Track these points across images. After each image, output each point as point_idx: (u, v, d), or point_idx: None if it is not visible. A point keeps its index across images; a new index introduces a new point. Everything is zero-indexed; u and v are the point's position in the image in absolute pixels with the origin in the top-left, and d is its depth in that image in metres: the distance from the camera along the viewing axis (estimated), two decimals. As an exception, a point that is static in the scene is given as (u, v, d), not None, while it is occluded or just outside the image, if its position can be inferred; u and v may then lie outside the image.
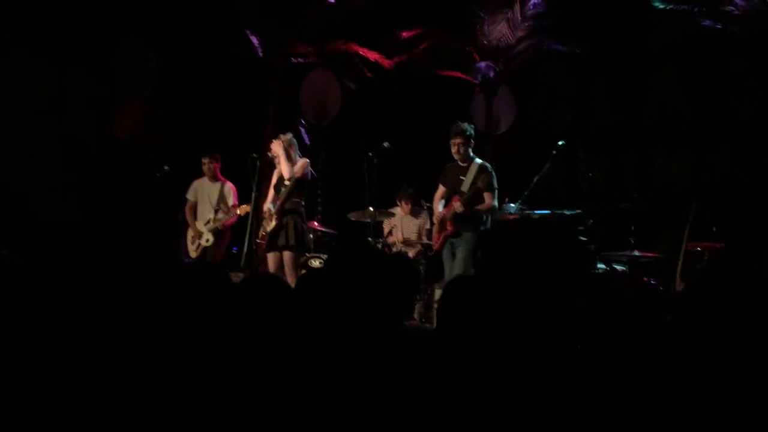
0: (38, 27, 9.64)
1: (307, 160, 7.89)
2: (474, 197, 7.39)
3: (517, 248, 1.93)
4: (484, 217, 7.47)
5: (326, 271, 2.99)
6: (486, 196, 7.38)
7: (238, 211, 8.80)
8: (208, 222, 9.11)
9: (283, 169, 7.72)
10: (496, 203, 7.48)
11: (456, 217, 7.39)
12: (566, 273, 1.93)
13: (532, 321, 1.91)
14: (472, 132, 7.59)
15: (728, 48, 9.81)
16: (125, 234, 2.12)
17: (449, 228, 7.46)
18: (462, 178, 7.47)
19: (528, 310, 1.91)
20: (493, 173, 7.44)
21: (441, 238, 7.53)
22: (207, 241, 9.07)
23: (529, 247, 1.92)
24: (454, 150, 7.47)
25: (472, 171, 7.44)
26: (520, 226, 2.06)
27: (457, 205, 7.36)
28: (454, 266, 7.40)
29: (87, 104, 10.17)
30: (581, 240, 7.19)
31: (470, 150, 7.53)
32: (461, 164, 7.51)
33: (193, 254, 9.14)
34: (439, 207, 7.70)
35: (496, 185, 7.44)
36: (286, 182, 7.75)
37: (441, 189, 7.72)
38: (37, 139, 9.81)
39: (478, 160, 7.53)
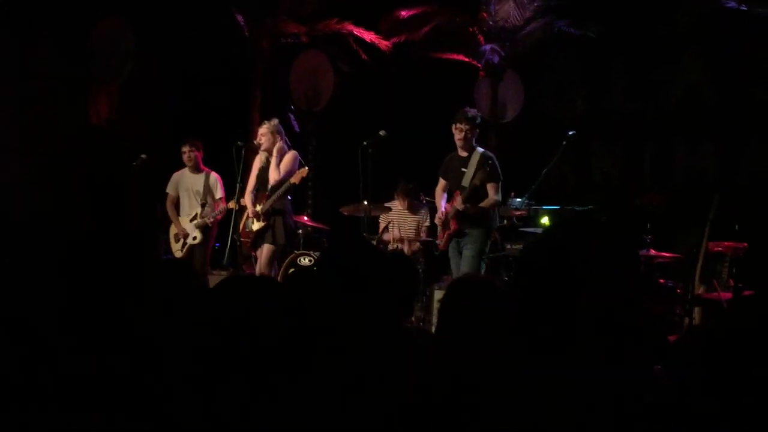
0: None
1: (296, 154, 7.97)
2: (477, 191, 7.40)
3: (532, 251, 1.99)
4: (491, 211, 7.52)
5: (319, 270, 3.05)
6: (490, 188, 7.40)
7: (230, 205, 8.73)
8: (194, 218, 9.02)
9: (272, 173, 7.81)
10: (500, 197, 7.52)
11: (459, 215, 7.43)
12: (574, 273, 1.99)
13: (539, 321, 1.97)
14: (479, 121, 7.62)
15: (754, 31, 9.85)
16: (100, 229, 2.18)
17: (453, 226, 7.51)
18: (464, 170, 7.48)
19: (536, 310, 1.97)
20: (497, 164, 7.48)
21: (445, 236, 7.57)
22: (194, 239, 8.98)
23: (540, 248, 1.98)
24: (459, 137, 7.45)
25: (474, 162, 7.46)
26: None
27: (458, 202, 7.38)
28: (461, 265, 7.44)
29: (58, 87, 10.20)
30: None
31: (474, 140, 7.57)
32: (462, 155, 7.53)
33: (178, 254, 9.01)
34: (442, 203, 7.72)
35: (501, 177, 7.47)
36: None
37: (442, 182, 7.74)
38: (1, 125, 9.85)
39: (480, 150, 7.54)
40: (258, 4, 10.68)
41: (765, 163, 10.21)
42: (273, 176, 7.86)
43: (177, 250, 9.06)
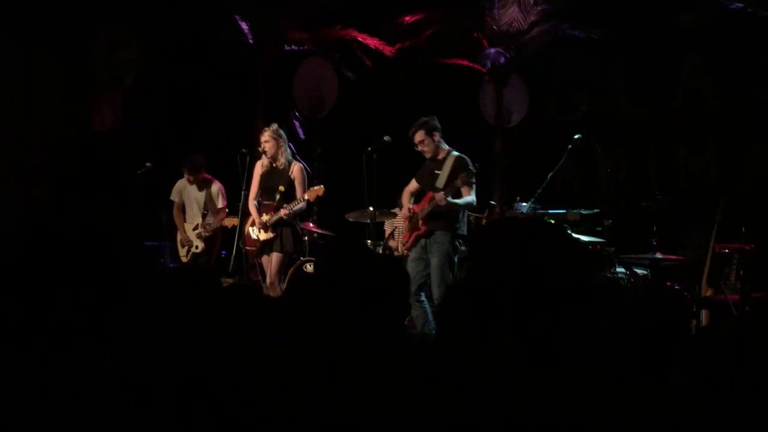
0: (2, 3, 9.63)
1: (303, 168, 8.02)
2: (456, 194, 7.34)
3: (506, 251, 1.96)
4: (460, 215, 7.42)
5: (318, 280, 3.03)
6: (464, 191, 7.31)
7: (225, 223, 8.85)
8: (196, 227, 9.12)
9: (299, 191, 7.89)
10: (474, 199, 7.40)
11: (430, 215, 7.35)
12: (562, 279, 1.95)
13: (526, 332, 1.94)
14: (434, 122, 7.53)
15: (757, 34, 9.83)
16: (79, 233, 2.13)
17: (422, 227, 7.43)
18: (437, 172, 7.44)
19: (522, 321, 1.94)
20: (473, 167, 7.38)
21: (412, 237, 7.46)
22: (197, 248, 9.09)
23: (517, 251, 1.96)
24: (419, 149, 7.47)
25: (449, 164, 7.41)
26: (507, 227, 2.08)
27: (440, 197, 7.23)
28: (432, 274, 7.33)
29: (60, 94, 10.20)
30: (576, 241, 7.08)
31: (440, 142, 7.49)
32: (437, 158, 7.49)
33: (183, 259, 9.17)
34: (409, 203, 7.69)
35: (474, 180, 7.38)
36: (281, 188, 7.88)
37: (413, 184, 7.71)
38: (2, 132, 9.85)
39: (455, 153, 7.48)
40: (262, 11, 10.67)
41: (768, 166, 10.21)
42: (301, 203, 7.91)
43: (182, 255, 9.17)
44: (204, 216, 9.07)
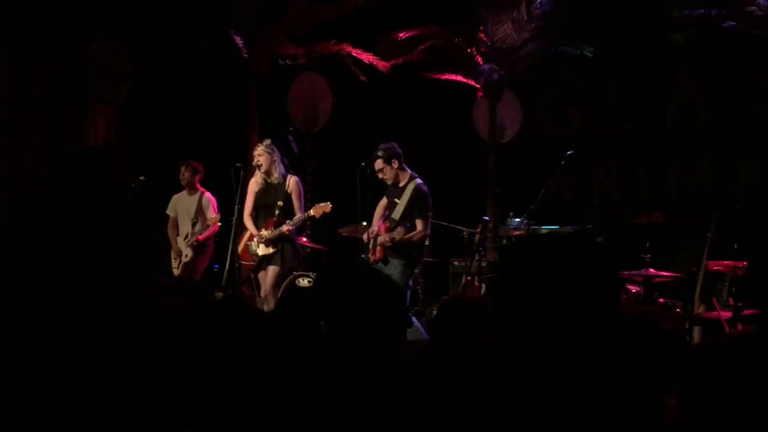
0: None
1: (298, 181, 8.02)
2: (403, 223, 7.51)
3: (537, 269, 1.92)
4: (418, 243, 7.58)
5: (318, 293, 3.03)
6: (417, 222, 7.49)
7: (208, 222, 8.88)
8: (186, 237, 9.15)
9: (298, 211, 7.93)
10: (426, 231, 7.57)
11: (384, 243, 7.53)
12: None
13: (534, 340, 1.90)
14: (393, 150, 7.63)
15: (750, 51, 9.88)
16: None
17: (379, 254, 7.56)
18: (396, 201, 7.60)
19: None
20: (428, 198, 7.54)
21: (371, 261, 7.64)
22: (186, 256, 9.10)
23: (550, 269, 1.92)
24: (379, 176, 7.63)
25: (407, 195, 7.54)
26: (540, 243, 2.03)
27: (383, 240, 7.49)
28: None
29: (53, 106, 10.19)
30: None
31: (401, 168, 7.60)
32: (399, 185, 7.60)
33: (175, 271, 9.18)
34: (378, 221, 7.81)
35: (430, 212, 7.57)
36: (280, 203, 7.89)
37: (384, 201, 7.85)
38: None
39: (415, 182, 7.61)
40: (256, 26, 10.68)
41: (760, 182, 10.22)
42: (298, 214, 7.95)
43: (174, 267, 9.21)
44: (194, 225, 9.06)
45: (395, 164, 7.55)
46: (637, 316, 2.64)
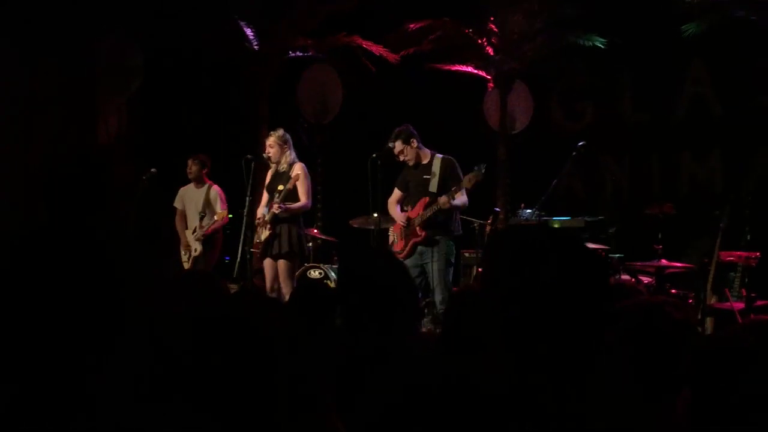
0: (5, 12, 9.62)
1: (304, 168, 7.96)
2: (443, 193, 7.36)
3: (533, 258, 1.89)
4: (454, 216, 7.44)
5: (341, 284, 3.01)
6: (456, 189, 7.33)
7: (215, 217, 8.85)
8: (195, 230, 9.11)
9: (302, 196, 7.84)
10: (466, 199, 7.42)
11: (427, 221, 7.37)
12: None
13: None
14: (409, 130, 7.55)
15: (763, 42, 9.82)
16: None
17: (421, 233, 7.44)
18: (426, 177, 7.47)
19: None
20: (458, 167, 7.44)
21: (409, 245, 7.48)
22: (195, 250, 9.06)
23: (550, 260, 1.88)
24: (401, 159, 7.53)
25: (438, 167, 7.44)
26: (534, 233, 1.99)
27: (444, 201, 7.23)
28: (430, 278, 7.35)
29: (63, 102, 10.20)
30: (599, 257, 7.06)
31: (420, 148, 7.53)
32: (422, 163, 7.53)
33: (185, 265, 9.13)
34: (398, 211, 7.68)
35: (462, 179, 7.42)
36: (280, 187, 7.84)
37: (397, 193, 7.74)
38: (5, 142, 9.85)
39: (440, 155, 7.53)
40: (267, 18, 10.67)
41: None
42: (303, 200, 7.88)
43: (185, 261, 9.18)
44: (201, 218, 9.02)
45: (414, 143, 7.49)
46: (646, 306, 2.62)
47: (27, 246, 1.94)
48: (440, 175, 7.40)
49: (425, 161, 7.53)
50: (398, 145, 7.52)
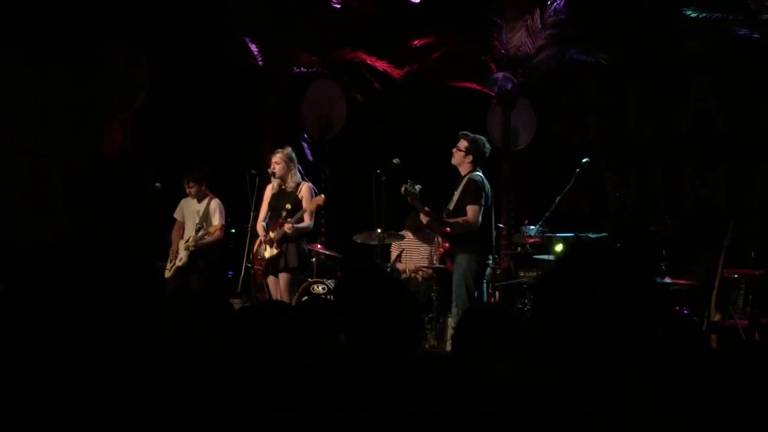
0: (13, 25, 9.65)
1: (312, 187, 7.99)
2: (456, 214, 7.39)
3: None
4: (474, 234, 7.32)
5: (336, 297, 3.02)
6: (468, 209, 7.29)
7: (210, 229, 8.72)
8: (187, 240, 8.96)
9: (307, 217, 7.89)
10: (478, 219, 7.28)
11: (447, 235, 7.41)
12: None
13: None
14: (480, 146, 7.49)
15: (762, 57, 9.83)
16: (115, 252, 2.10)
17: (445, 245, 7.49)
18: (455, 192, 7.48)
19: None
20: (481, 188, 7.33)
21: (444, 255, 7.61)
22: (180, 260, 8.88)
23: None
24: (453, 151, 7.49)
25: (461, 185, 7.44)
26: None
27: (423, 217, 7.44)
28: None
29: (71, 114, 10.22)
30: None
31: (471, 163, 7.46)
32: (461, 174, 7.49)
33: (167, 273, 8.88)
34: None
35: (483, 202, 7.31)
36: (288, 206, 7.88)
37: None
38: (12, 154, 9.86)
39: (473, 174, 7.42)
40: (271, 33, 10.70)
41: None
42: (307, 221, 7.92)
43: (167, 269, 8.95)
44: (198, 230, 8.90)
45: (469, 158, 7.46)
46: (673, 317, 2.61)
47: (63, 255, 1.95)
48: (459, 193, 7.41)
49: (463, 173, 7.43)
50: (463, 143, 7.45)
